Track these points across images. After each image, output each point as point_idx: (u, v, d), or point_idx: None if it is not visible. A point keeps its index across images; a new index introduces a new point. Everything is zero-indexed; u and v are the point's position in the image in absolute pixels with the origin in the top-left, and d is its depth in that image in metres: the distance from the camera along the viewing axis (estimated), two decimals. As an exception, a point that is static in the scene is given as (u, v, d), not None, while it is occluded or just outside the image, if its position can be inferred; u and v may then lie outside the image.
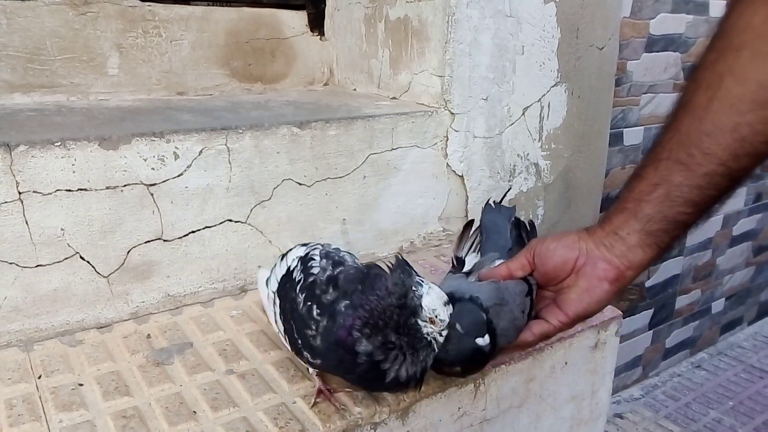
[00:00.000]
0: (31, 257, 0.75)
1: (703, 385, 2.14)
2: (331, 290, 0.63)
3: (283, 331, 0.69)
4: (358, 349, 0.58)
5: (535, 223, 0.79)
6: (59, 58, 1.02)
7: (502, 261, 0.70)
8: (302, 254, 0.71)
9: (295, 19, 1.27)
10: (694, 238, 2.05)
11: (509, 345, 0.66)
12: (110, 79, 1.08)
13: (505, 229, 0.77)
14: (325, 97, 1.20)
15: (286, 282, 0.69)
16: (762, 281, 2.50)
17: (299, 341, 0.64)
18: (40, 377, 0.71)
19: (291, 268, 0.70)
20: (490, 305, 0.63)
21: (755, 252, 2.38)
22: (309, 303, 0.63)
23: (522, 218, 0.84)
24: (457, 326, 0.60)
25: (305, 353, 0.64)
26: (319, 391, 0.68)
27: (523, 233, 0.78)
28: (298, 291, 0.66)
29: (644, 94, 1.67)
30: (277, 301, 0.69)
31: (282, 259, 0.74)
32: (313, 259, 0.68)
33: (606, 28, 1.26)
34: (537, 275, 0.67)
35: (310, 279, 0.66)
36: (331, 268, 0.66)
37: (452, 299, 0.61)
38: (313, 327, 0.62)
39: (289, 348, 0.69)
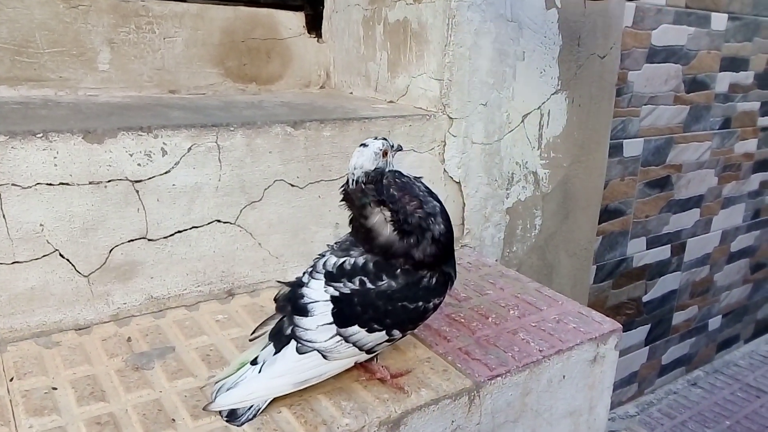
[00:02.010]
0: (8, 253, 0.72)
1: (699, 404, 2.10)
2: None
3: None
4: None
5: (533, 233, 0.78)
6: (48, 51, 1.00)
7: None
8: (323, 287, 0.66)
9: (293, 20, 1.25)
10: (692, 253, 2.03)
11: None
12: (100, 74, 1.05)
13: None
14: (320, 99, 1.18)
15: (346, 305, 0.65)
16: (759, 299, 2.47)
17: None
18: (12, 380, 0.67)
19: (342, 295, 0.65)
20: None
21: (753, 269, 2.36)
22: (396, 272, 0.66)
23: None
24: None
25: (435, 302, 0.68)
26: (381, 379, 0.70)
27: None
28: (385, 278, 0.65)
29: (644, 105, 1.65)
30: (354, 331, 0.65)
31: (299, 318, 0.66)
32: (343, 268, 0.66)
33: (608, 36, 1.24)
34: None
35: (360, 269, 0.66)
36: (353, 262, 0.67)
37: None
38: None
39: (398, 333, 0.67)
